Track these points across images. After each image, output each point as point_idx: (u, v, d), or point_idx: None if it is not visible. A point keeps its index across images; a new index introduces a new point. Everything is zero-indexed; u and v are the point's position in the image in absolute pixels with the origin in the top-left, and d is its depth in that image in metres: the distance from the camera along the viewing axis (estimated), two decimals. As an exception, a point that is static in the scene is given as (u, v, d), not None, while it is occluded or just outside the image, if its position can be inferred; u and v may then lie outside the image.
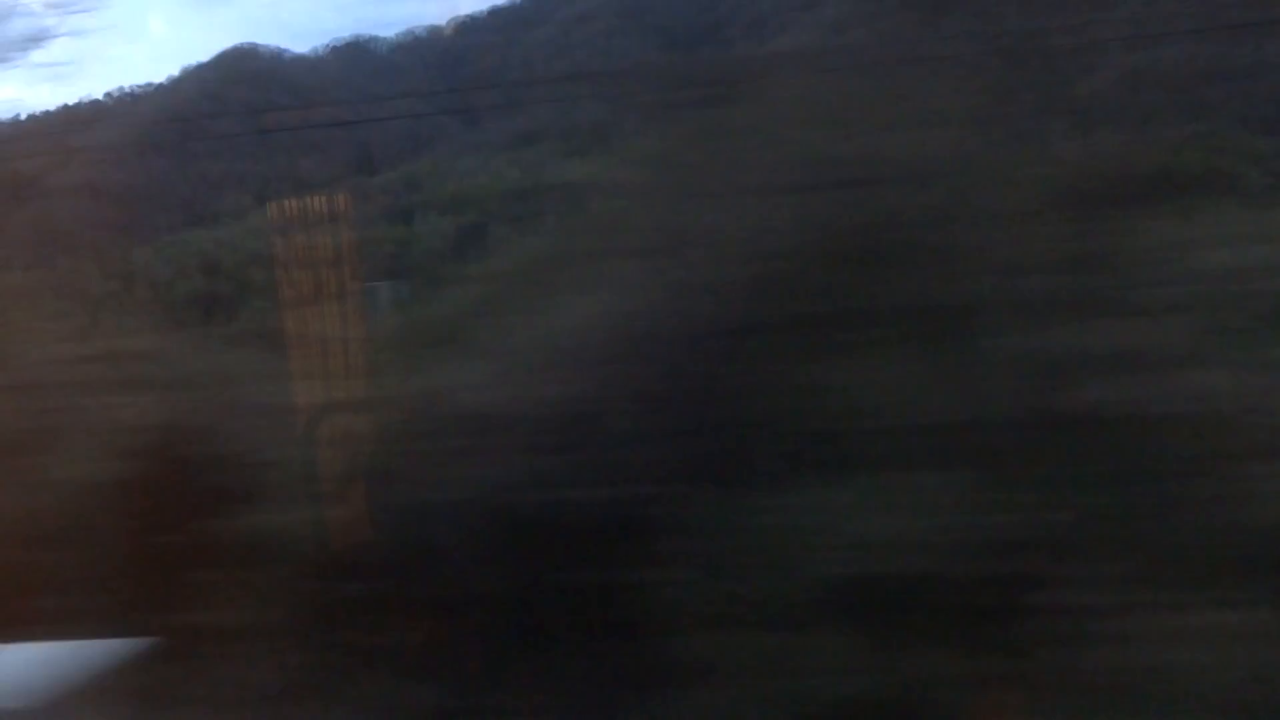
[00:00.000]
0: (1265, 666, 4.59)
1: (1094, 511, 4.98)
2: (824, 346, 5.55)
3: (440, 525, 5.99)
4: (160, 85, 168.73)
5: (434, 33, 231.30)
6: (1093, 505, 5.01)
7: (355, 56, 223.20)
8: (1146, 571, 4.93)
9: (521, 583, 5.76)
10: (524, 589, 5.77)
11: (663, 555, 5.35)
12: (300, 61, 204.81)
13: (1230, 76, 63.15)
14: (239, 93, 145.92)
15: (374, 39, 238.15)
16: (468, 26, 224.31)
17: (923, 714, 4.90)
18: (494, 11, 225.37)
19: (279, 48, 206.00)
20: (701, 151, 6.92)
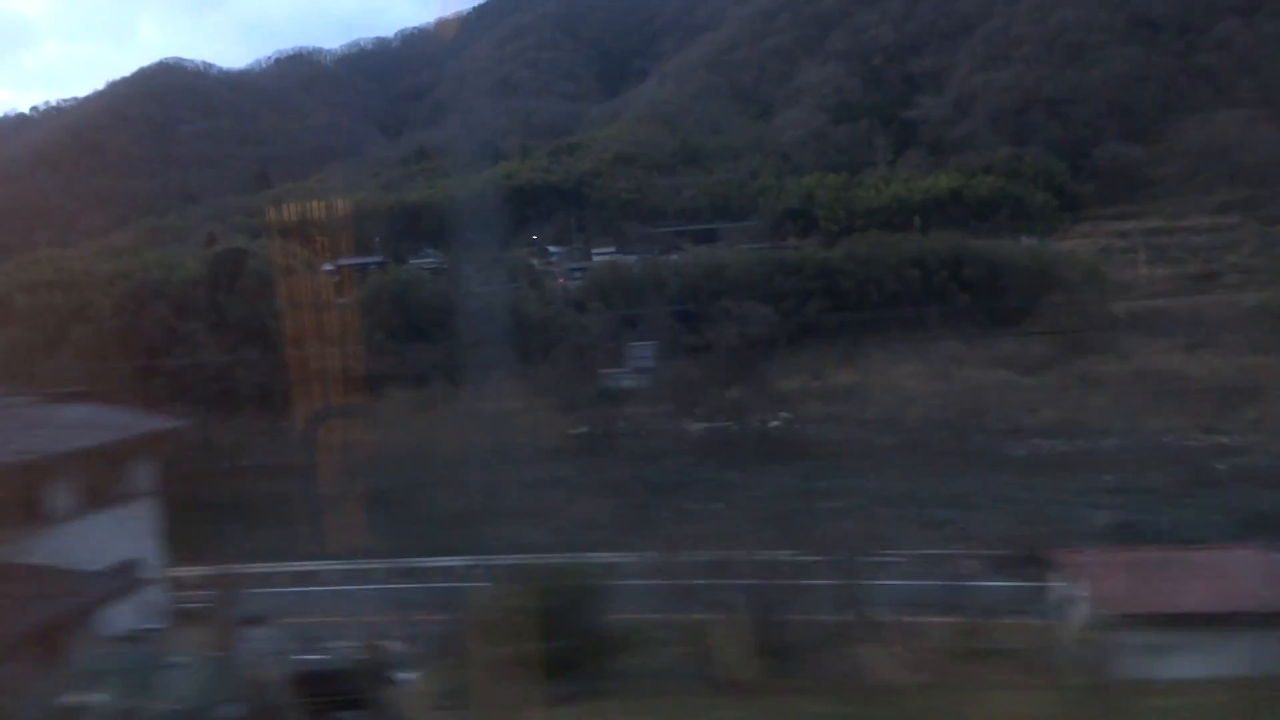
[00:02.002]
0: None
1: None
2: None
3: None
4: (84, 99, 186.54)
5: (380, 44, 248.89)
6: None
7: (297, 68, 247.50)
8: None
9: None
10: None
11: None
12: (226, 76, 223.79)
13: (1052, 101, 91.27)
14: (148, 109, 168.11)
15: (318, 50, 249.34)
16: (414, 37, 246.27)
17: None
18: (440, 23, 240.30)
19: (205, 62, 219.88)
20: None
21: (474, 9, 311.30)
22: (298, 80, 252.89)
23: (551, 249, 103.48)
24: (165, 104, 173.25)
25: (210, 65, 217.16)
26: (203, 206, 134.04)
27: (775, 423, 55.26)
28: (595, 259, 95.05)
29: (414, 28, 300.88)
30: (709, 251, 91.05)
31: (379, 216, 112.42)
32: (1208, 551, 18.89)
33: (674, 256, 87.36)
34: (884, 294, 65.97)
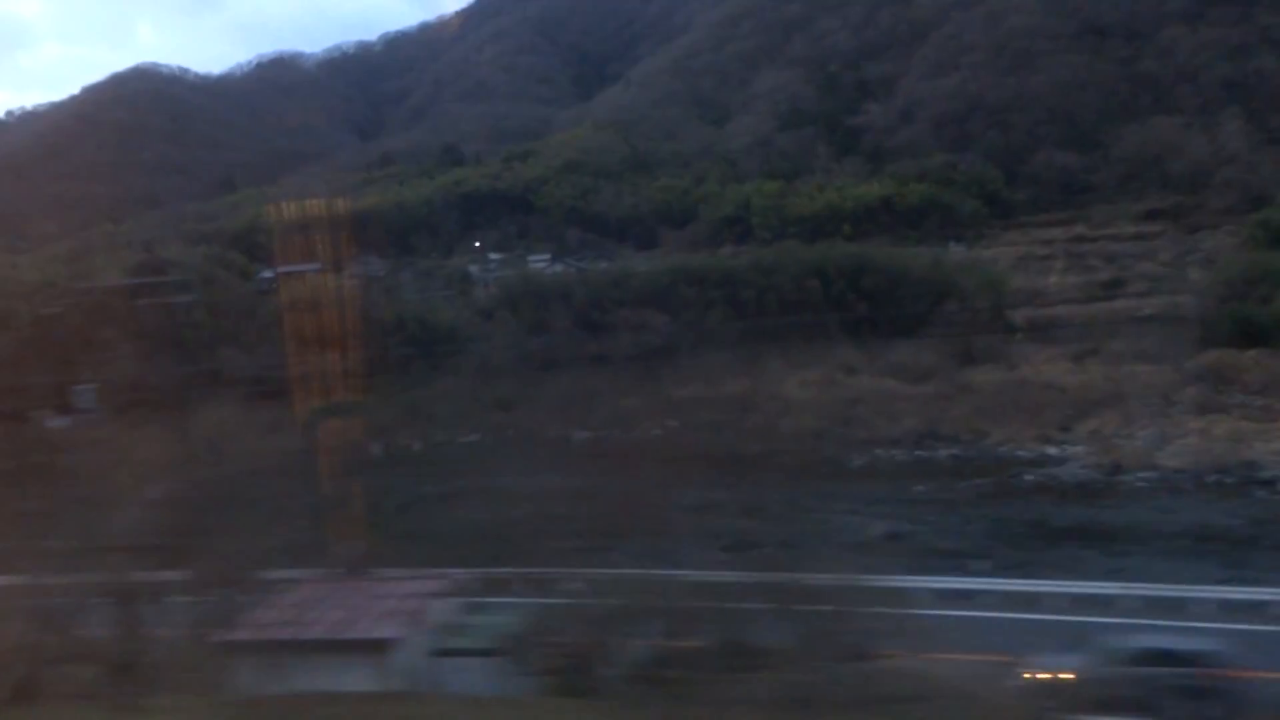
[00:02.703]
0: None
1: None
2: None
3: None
4: (57, 104, 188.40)
5: (362, 48, 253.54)
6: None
7: (278, 73, 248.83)
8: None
9: None
10: None
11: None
12: (202, 81, 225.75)
13: (994, 108, 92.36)
14: (118, 115, 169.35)
15: (300, 55, 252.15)
16: (397, 41, 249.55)
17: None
18: (424, 27, 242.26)
19: (181, 67, 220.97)
20: None
21: (456, 12, 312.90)
22: (277, 85, 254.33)
23: (493, 256, 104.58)
24: (135, 110, 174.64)
25: (186, 70, 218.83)
26: (161, 213, 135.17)
27: (657, 431, 56.25)
28: (531, 266, 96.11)
29: (397, 31, 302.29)
30: (646, 258, 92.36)
31: (326, 223, 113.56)
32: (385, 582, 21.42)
33: (603, 264, 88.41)
34: (784, 303, 66.88)
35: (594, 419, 59.08)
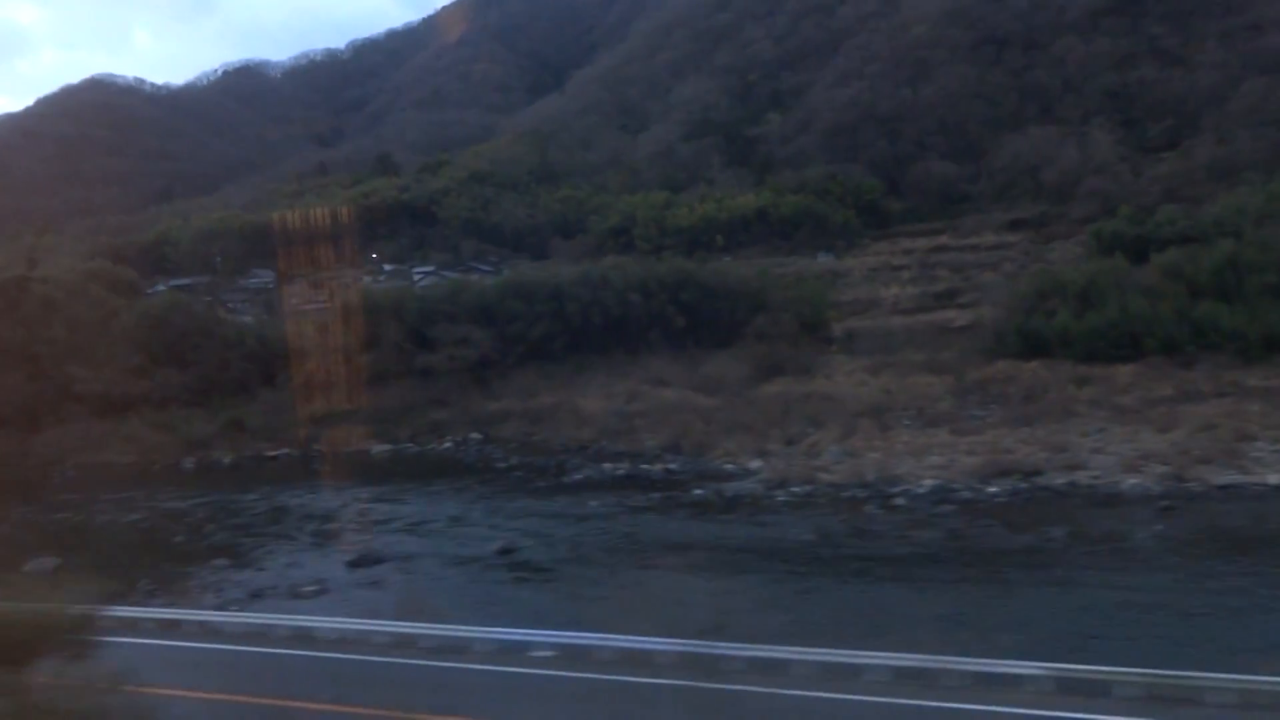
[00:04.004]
0: None
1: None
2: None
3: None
4: (11, 115, 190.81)
5: (330, 55, 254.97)
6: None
7: (243, 82, 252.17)
8: None
9: None
10: None
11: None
12: (158, 91, 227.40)
13: (884, 119, 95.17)
14: (61, 127, 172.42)
15: (266, 64, 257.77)
16: (364, 48, 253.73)
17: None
18: (390, 34, 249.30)
19: (137, 78, 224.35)
20: None
21: (423, 20, 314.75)
22: (239, 94, 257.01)
23: (387, 267, 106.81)
24: (80, 121, 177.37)
25: (142, 81, 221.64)
26: (86, 225, 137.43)
27: (448, 444, 58.32)
28: (416, 278, 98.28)
29: (364, 39, 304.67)
30: (536, 268, 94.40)
31: (231, 235, 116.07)
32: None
33: (473, 276, 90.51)
34: (608, 317, 68.87)
35: (400, 433, 61.19)
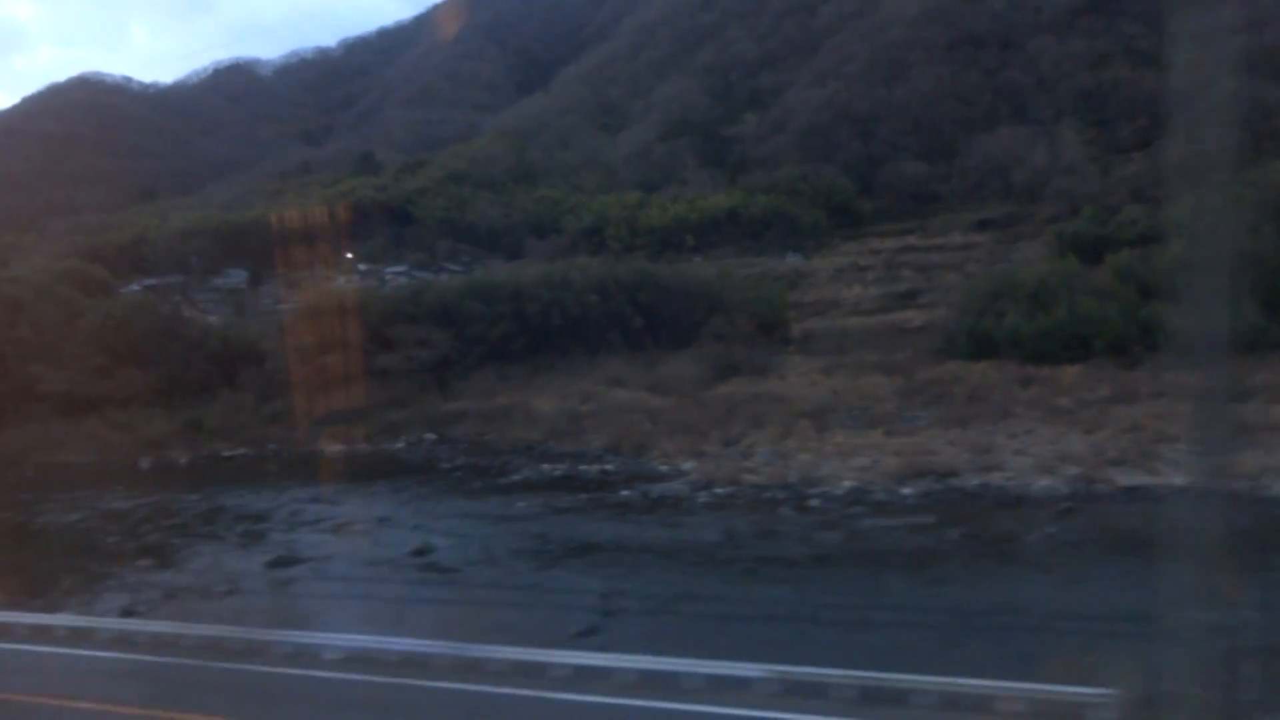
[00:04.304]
0: None
1: None
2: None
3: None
4: (4, 111, 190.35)
5: (320, 53, 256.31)
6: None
7: (233, 80, 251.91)
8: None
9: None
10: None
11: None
12: (146, 90, 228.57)
13: (858, 119, 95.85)
14: (46, 125, 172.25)
15: (256, 62, 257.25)
16: (356, 46, 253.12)
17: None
18: (381, 32, 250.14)
19: (125, 76, 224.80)
20: None
21: (415, 18, 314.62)
22: (228, 92, 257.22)
23: (361, 267, 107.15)
24: (66, 120, 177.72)
25: (130, 79, 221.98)
26: (67, 223, 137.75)
27: (400, 444, 58.79)
28: (388, 278, 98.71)
29: (356, 36, 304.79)
30: (510, 268, 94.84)
31: (207, 235, 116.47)
32: None
33: (443, 276, 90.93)
34: (567, 318, 69.32)
35: (356, 433, 61.62)
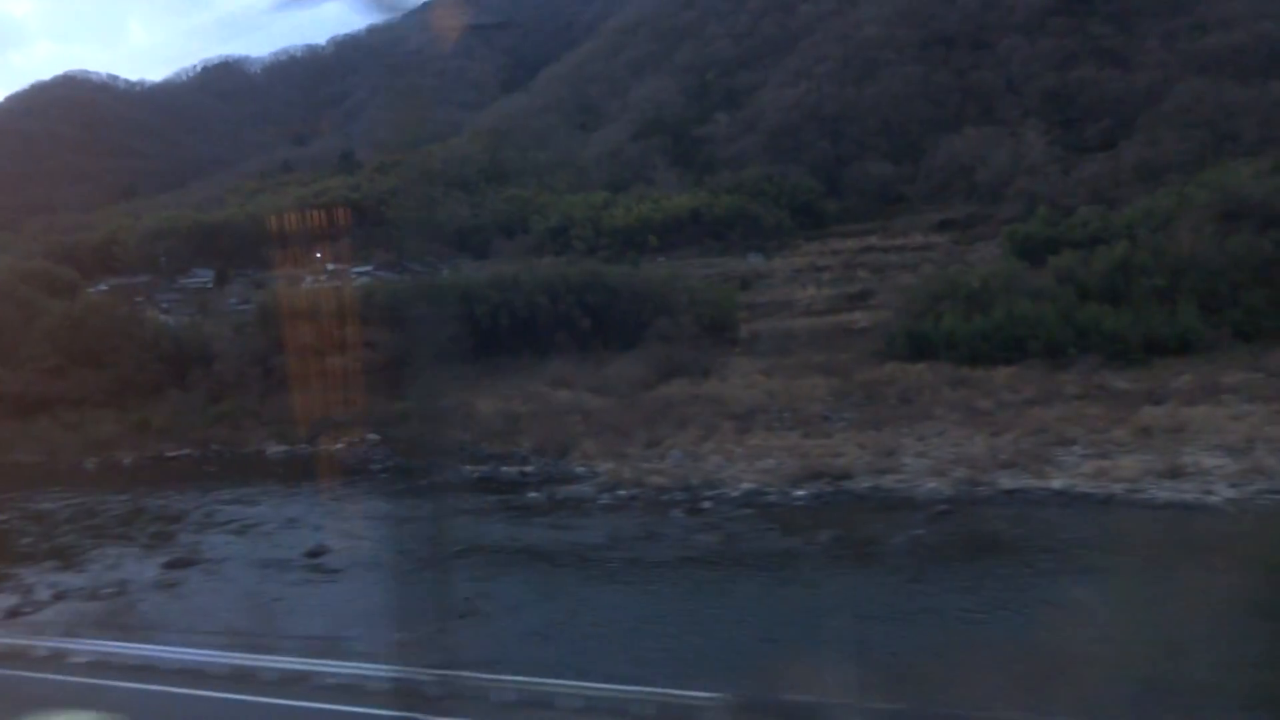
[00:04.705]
0: None
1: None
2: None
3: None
4: None
5: (310, 51, 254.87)
6: None
7: (222, 78, 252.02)
8: None
9: None
10: None
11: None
12: (132, 88, 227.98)
13: (827, 119, 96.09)
14: (25, 124, 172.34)
15: (246, 59, 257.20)
16: (346, 44, 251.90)
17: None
18: (371, 30, 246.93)
19: (111, 74, 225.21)
20: None
21: (405, 15, 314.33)
22: (217, 90, 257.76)
23: (329, 267, 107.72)
24: (48, 119, 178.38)
25: (116, 78, 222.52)
26: (44, 222, 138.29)
27: (339, 446, 59.40)
28: (353, 278, 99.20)
29: (346, 34, 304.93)
30: (477, 268, 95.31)
31: (178, 235, 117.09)
32: None
33: (401, 275, 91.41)
34: (515, 319, 69.86)
35: (300, 433, 62.23)
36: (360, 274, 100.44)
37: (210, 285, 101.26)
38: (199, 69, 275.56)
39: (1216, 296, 62.23)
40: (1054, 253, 70.04)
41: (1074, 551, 25.70)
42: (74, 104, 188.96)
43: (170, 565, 33.71)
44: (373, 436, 61.31)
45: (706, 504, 35.91)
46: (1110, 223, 75.08)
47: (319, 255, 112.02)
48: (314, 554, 33.49)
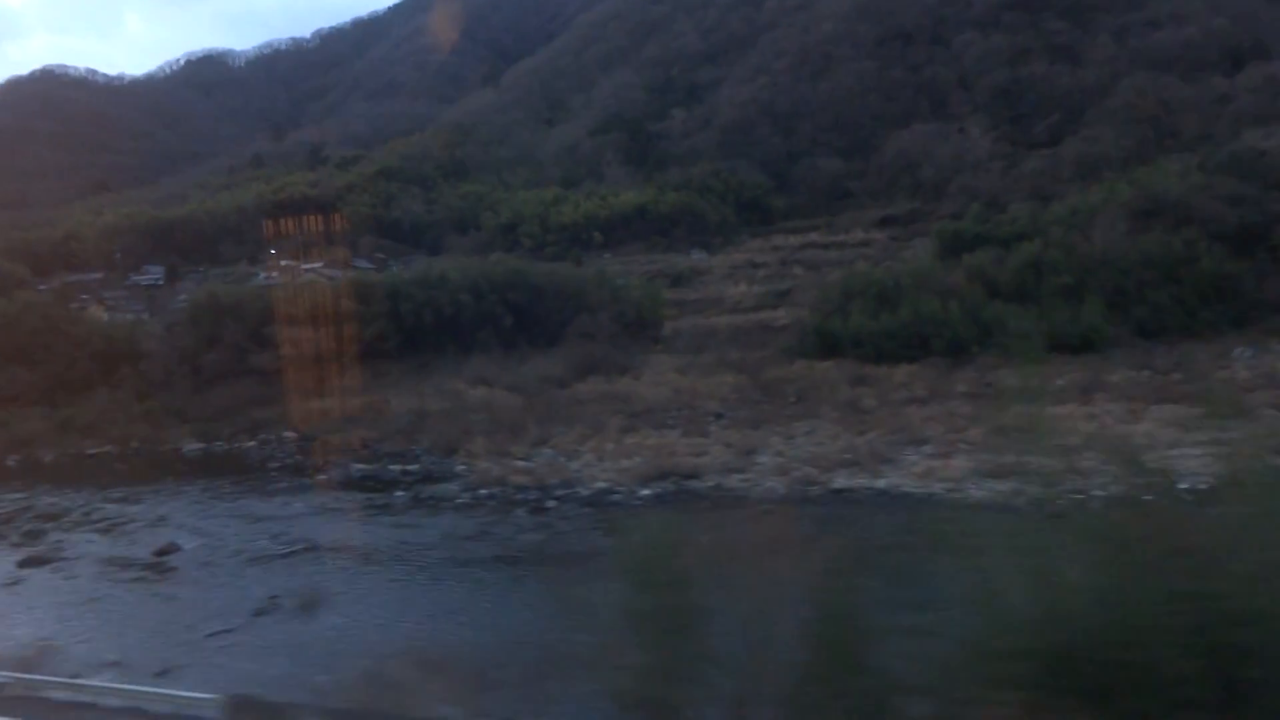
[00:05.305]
0: None
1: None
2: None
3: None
4: None
5: (295, 44, 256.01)
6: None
7: (204, 71, 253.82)
8: None
9: None
10: None
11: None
12: (111, 82, 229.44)
13: (779, 115, 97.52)
14: (2, 119, 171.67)
15: (229, 53, 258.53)
16: (330, 37, 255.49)
17: None
18: (356, 23, 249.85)
19: (90, 69, 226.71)
20: None
21: (389, 9, 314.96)
22: (198, 84, 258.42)
23: (283, 263, 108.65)
24: (22, 114, 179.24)
25: (94, 72, 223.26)
26: (8, 218, 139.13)
27: (252, 444, 60.37)
28: (305, 274, 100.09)
29: (330, 27, 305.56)
30: (429, 264, 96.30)
31: (135, 231, 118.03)
32: None
33: (336, 274, 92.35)
34: (440, 316, 70.74)
35: (220, 431, 63.14)
36: (309, 271, 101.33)
37: (161, 282, 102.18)
38: (182, 63, 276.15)
39: (1124, 295, 62.99)
40: (976, 250, 70.82)
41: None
42: (50, 100, 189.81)
43: (24, 564, 34.61)
44: (289, 434, 62.28)
45: (552, 503, 36.77)
46: (1038, 220, 75.74)
47: (273, 252, 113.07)
48: (162, 553, 34.40)
